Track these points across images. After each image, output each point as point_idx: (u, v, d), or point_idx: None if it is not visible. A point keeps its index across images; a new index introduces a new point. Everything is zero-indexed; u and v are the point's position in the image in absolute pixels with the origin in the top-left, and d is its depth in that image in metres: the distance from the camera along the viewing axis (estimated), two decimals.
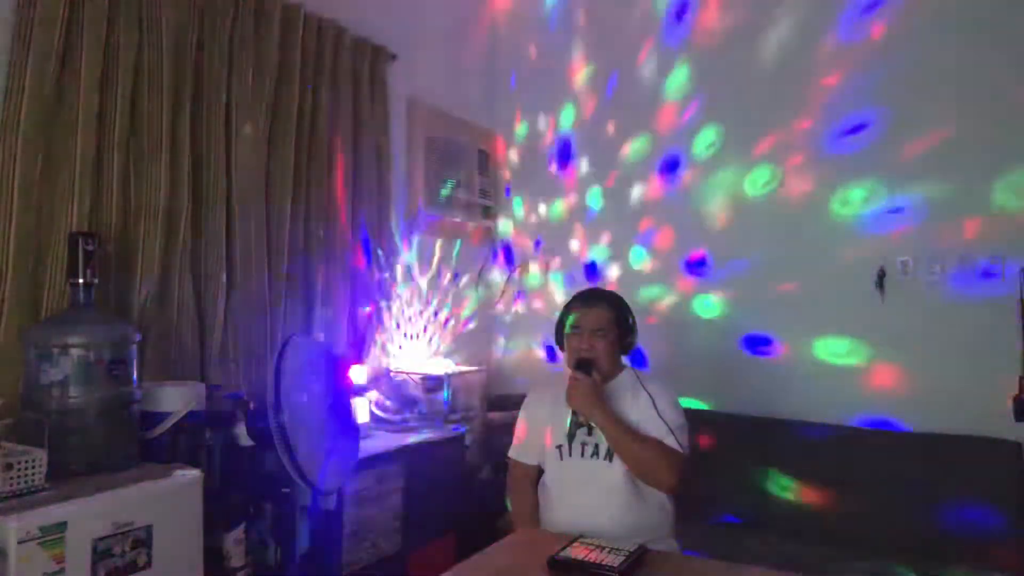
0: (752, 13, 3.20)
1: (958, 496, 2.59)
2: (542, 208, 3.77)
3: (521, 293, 3.79)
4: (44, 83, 1.81)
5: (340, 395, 2.00)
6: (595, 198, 3.60)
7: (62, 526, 1.35)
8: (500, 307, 3.80)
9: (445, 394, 2.96)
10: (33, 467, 1.42)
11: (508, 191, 3.87)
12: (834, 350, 3.00)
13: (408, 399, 2.86)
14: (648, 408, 1.89)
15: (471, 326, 3.59)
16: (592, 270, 3.59)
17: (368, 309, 2.93)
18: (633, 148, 3.49)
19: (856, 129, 2.97)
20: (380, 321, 3.02)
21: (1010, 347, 2.64)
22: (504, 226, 3.87)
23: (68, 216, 1.85)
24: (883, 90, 2.92)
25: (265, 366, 2.33)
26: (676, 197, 3.37)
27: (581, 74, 3.65)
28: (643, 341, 2.21)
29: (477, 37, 3.78)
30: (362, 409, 2.64)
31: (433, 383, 2.97)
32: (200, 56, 2.22)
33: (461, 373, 3.17)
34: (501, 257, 3.85)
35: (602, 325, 1.98)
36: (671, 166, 3.39)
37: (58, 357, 1.58)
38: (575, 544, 1.58)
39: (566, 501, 1.94)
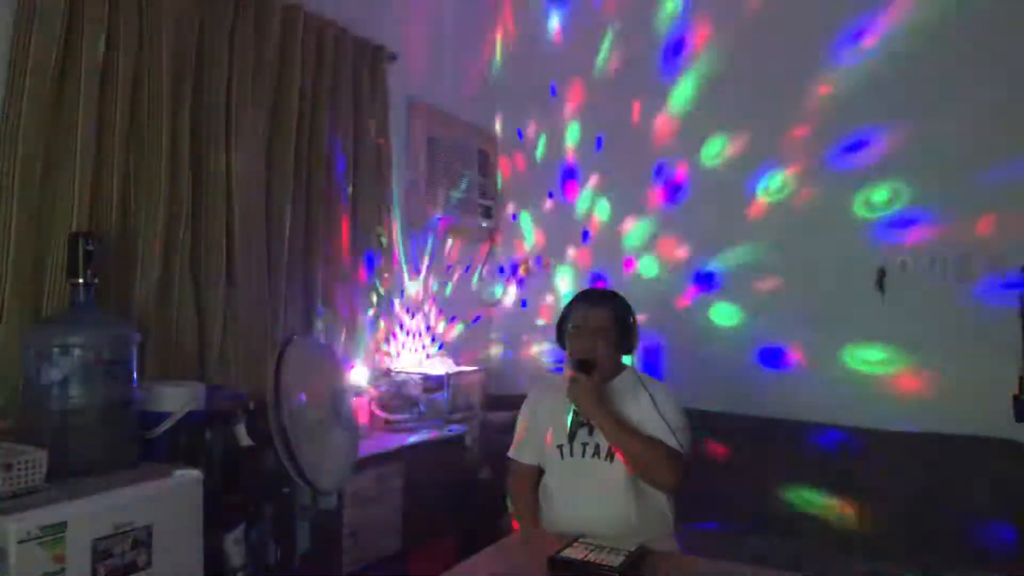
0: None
1: (959, 496, 2.59)
2: (543, 207, 3.77)
3: (521, 285, 3.79)
4: (44, 83, 1.81)
5: (340, 395, 2.00)
6: (597, 196, 3.60)
7: (62, 526, 1.34)
8: (500, 306, 3.80)
9: (445, 394, 2.96)
10: (33, 467, 1.42)
11: (508, 191, 3.87)
12: (833, 350, 3.00)
13: (408, 399, 2.86)
14: (649, 408, 1.89)
15: (471, 326, 3.59)
16: (595, 272, 3.60)
17: (369, 310, 2.93)
18: (636, 148, 3.49)
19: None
20: (380, 321, 3.02)
21: (1010, 347, 2.63)
22: (504, 226, 3.87)
23: (68, 216, 1.85)
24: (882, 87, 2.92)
25: (265, 366, 2.33)
26: (679, 197, 3.38)
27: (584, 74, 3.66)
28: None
29: (477, 37, 3.78)
30: (362, 409, 2.64)
31: (433, 383, 2.97)
32: (200, 56, 2.22)
33: (461, 373, 3.17)
34: (501, 256, 3.85)
35: (603, 325, 1.98)
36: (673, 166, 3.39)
37: (58, 357, 1.58)
38: (575, 544, 1.58)
39: (566, 501, 1.94)
